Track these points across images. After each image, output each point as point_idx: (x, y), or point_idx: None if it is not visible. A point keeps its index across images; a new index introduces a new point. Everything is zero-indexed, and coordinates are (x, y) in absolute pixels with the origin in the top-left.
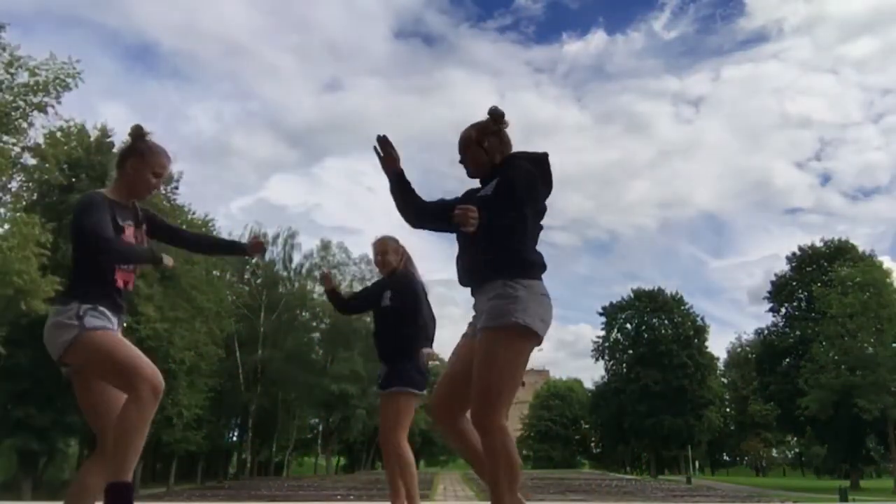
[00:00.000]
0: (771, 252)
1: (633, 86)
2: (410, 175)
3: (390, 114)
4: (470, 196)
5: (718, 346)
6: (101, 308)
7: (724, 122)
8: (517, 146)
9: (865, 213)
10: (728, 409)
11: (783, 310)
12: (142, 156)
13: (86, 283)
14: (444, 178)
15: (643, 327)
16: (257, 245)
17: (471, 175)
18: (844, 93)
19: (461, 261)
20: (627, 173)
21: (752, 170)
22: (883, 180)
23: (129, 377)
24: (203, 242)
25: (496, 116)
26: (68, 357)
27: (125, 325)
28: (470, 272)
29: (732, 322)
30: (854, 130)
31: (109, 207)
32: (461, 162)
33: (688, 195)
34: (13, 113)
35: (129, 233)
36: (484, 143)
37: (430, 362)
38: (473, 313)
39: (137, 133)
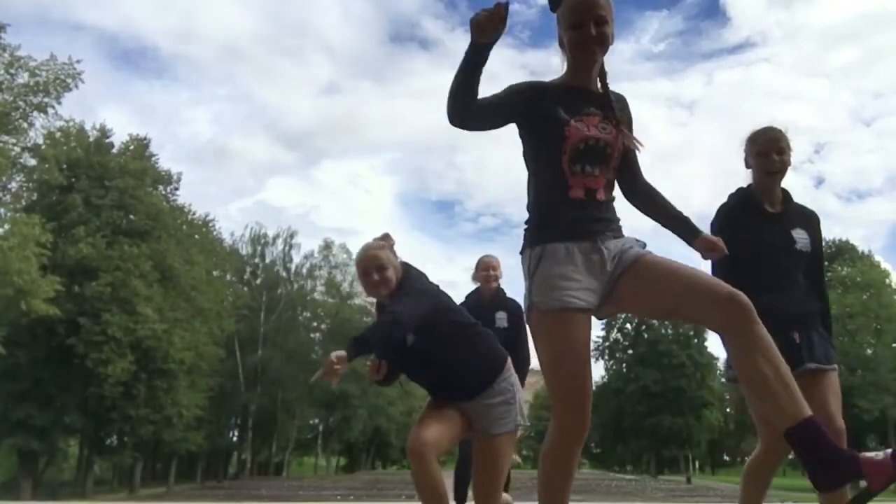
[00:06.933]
0: None
1: (628, 88)
2: (409, 175)
3: (387, 117)
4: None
5: (718, 346)
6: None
7: (718, 125)
8: (513, 149)
9: (860, 215)
10: (728, 409)
11: None
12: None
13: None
14: (441, 181)
15: (643, 327)
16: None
17: None
18: (836, 96)
19: None
20: None
21: (746, 172)
22: (876, 182)
23: None
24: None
25: None
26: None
27: None
28: None
29: None
30: (847, 133)
31: (554, 99)
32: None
33: (683, 197)
34: (13, 113)
35: (591, 123)
36: None
37: None
38: None
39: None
